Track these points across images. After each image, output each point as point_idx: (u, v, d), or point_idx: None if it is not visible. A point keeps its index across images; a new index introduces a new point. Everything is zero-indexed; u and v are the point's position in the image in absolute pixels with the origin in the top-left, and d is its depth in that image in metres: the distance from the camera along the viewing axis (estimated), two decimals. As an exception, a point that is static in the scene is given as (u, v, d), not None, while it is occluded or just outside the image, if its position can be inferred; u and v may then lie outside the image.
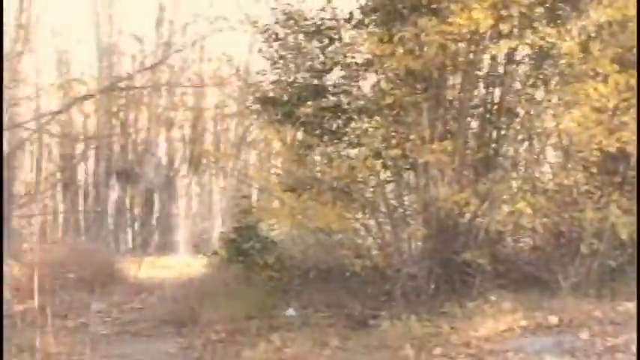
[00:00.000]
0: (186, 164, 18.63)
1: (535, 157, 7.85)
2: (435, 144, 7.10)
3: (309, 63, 8.17)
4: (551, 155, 8.13)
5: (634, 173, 7.10)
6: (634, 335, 5.48)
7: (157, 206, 18.46)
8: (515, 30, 6.91)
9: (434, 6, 6.98)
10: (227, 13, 10.24)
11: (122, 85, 6.15)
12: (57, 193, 16.89)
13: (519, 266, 7.69)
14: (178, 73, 16.18)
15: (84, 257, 10.16)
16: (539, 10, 6.92)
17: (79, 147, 16.99)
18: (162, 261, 14.06)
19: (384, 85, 7.88)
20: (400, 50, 6.99)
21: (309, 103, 7.92)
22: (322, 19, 8.03)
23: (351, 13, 7.92)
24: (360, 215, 8.19)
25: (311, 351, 6.14)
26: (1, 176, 6.28)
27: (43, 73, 13.88)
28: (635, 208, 6.90)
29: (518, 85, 7.76)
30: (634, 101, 6.65)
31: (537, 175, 7.84)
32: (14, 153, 14.74)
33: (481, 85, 7.99)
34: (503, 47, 6.98)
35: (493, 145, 7.88)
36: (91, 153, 15.95)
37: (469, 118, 7.92)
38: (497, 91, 7.94)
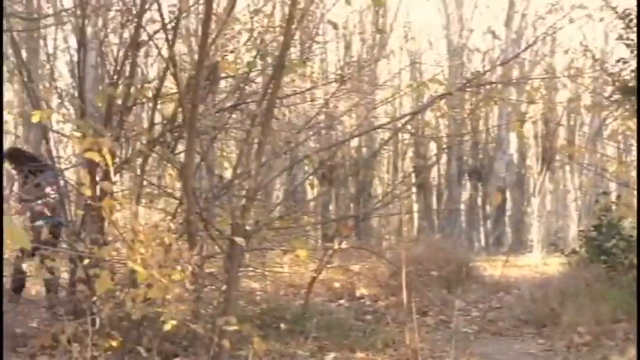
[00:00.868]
0: (539, 161, 18.15)
1: None
2: None
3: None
4: None
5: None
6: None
7: (508, 204, 18.28)
8: None
9: None
10: (584, 2, 9.72)
11: (475, 82, 6.05)
12: (412, 193, 17.44)
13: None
14: (530, 68, 15.89)
15: (440, 255, 10.31)
16: None
17: (433, 148, 17.40)
18: (516, 259, 13.85)
19: None
20: None
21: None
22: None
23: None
24: None
25: None
26: (0, 175, 6.53)
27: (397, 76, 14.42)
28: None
29: None
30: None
31: None
32: (375, 155, 15.57)
33: None
34: None
35: None
36: (444, 153, 16.20)
37: None
38: None
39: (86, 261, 5.20)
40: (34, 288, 8.23)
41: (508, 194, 18.04)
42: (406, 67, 15.50)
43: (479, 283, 10.00)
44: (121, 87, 6.39)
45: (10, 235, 2.41)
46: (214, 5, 4.77)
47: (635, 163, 7.63)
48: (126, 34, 6.74)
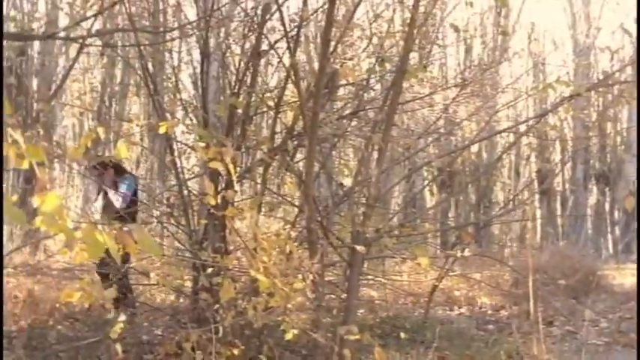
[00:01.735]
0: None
1: None
2: None
3: None
4: None
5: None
6: None
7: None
8: None
9: None
10: None
11: (605, 82, 5.76)
12: (534, 199, 16.95)
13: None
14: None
15: (565, 263, 9.95)
16: None
17: (556, 152, 16.86)
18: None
19: None
20: None
21: None
22: None
23: None
24: None
25: None
26: (0, 174, 6.34)
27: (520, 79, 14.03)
28: None
29: None
30: None
31: None
32: (497, 160, 15.21)
33: None
34: None
35: None
36: (569, 157, 15.66)
37: None
38: None
39: (209, 269, 5.28)
40: (159, 296, 8.47)
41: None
42: (530, 70, 15.07)
43: (608, 293, 9.59)
44: (242, 97, 6.48)
45: (142, 244, 2.45)
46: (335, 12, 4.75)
47: None
48: (247, 45, 6.85)
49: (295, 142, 6.32)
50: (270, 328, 5.31)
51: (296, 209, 6.70)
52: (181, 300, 7.49)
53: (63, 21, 10.60)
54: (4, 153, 2.55)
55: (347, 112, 7.02)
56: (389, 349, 6.39)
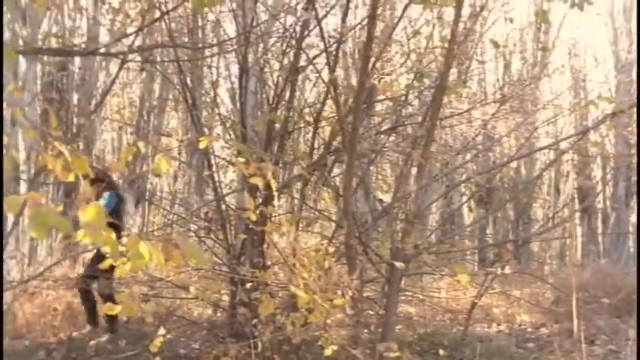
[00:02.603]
0: None
1: None
2: None
3: None
4: None
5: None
6: None
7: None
8: None
9: None
10: None
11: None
12: (575, 216, 16.70)
13: None
14: None
15: (608, 281, 9.79)
16: None
17: (598, 169, 16.63)
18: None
19: None
20: None
21: None
22: None
23: None
24: None
25: None
26: (0, 175, 6.25)
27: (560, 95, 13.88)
28: None
29: None
30: None
31: None
32: (537, 177, 15.05)
33: None
34: None
35: None
36: (611, 174, 15.42)
37: None
38: None
39: (247, 284, 5.29)
40: (196, 310, 8.49)
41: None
42: (571, 86, 14.91)
43: (655, 311, 9.39)
44: (280, 112, 6.51)
45: (188, 253, 2.45)
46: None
47: None
48: (285, 60, 6.88)
49: (333, 158, 6.33)
50: (308, 343, 5.29)
51: (333, 224, 6.69)
52: (219, 314, 7.51)
53: (103, 37, 10.74)
54: (49, 166, 2.57)
55: (385, 127, 7.01)
56: (427, 366, 6.34)
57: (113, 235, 2.43)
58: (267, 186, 4.11)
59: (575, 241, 16.65)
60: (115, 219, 7.31)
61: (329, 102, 6.27)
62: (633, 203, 16.83)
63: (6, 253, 8.81)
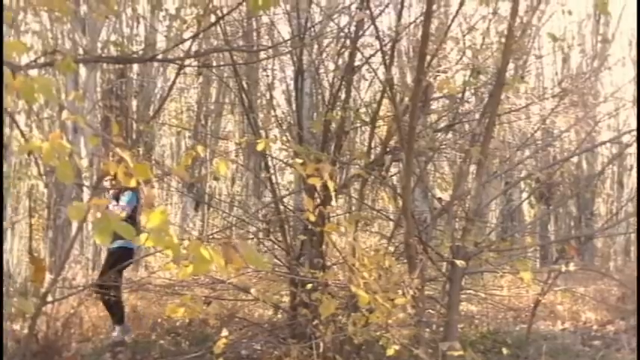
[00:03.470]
0: None
1: None
2: None
3: None
4: None
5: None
6: None
7: None
8: None
9: None
10: None
11: None
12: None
13: None
14: None
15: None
16: None
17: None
18: None
19: None
20: None
21: None
22: None
23: None
24: None
25: None
26: (0, 176, 6.17)
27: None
28: None
29: None
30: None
31: None
32: (600, 173, 14.74)
33: None
34: None
35: None
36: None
37: None
38: None
39: (308, 285, 5.30)
40: (257, 311, 8.55)
41: None
42: (633, 78, 14.53)
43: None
44: (336, 112, 6.51)
45: (247, 258, 2.47)
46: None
47: None
48: (340, 60, 6.88)
49: (390, 157, 6.30)
50: (369, 343, 5.27)
51: (391, 224, 6.66)
52: (279, 315, 7.55)
53: (161, 43, 10.91)
54: (111, 172, 2.61)
55: (442, 125, 6.95)
56: (490, 365, 6.27)
57: (175, 238, 2.45)
58: (325, 186, 4.11)
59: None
60: (134, 217, 7.44)
61: (385, 101, 6.25)
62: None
63: (71, 257, 9.00)
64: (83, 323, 7.61)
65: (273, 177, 7.16)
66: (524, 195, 13.56)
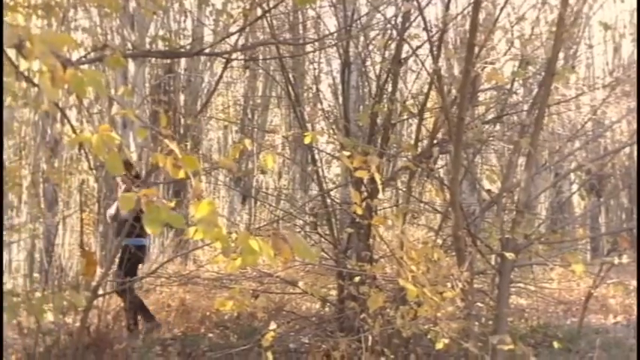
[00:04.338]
0: None
1: None
2: None
3: None
4: None
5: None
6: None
7: None
8: None
9: None
10: None
11: None
12: None
13: None
14: None
15: None
16: None
17: None
18: None
19: None
20: None
21: None
22: None
23: None
24: None
25: None
26: (1, 177, 6.03)
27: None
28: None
29: None
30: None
31: None
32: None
33: None
34: None
35: None
36: None
37: None
38: None
39: (355, 278, 5.28)
40: (304, 304, 8.57)
41: None
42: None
43: None
44: (382, 104, 6.48)
45: (297, 250, 2.46)
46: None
47: None
48: (387, 52, 6.84)
49: (437, 149, 6.24)
50: (417, 337, 5.24)
51: (438, 216, 6.60)
52: (326, 309, 7.56)
53: (208, 37, 10.98)
54: (161, 164, 2.62)
55: (489, 116, 6.87)
56: (541, 358, 6.18)
57: (224, 231, 2.45)
58: (372, 179, 4.08)
59: None
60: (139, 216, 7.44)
61: (432, 93, 6.20)
62: None
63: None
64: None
65: (319, 170, 7.16)
66: (575, 187, 13.36)
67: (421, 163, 5.51)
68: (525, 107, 6.18)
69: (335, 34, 6.82)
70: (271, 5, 5.83)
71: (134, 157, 10.85)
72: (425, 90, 6.48)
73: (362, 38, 6.96)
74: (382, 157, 6.14)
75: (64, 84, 2.32)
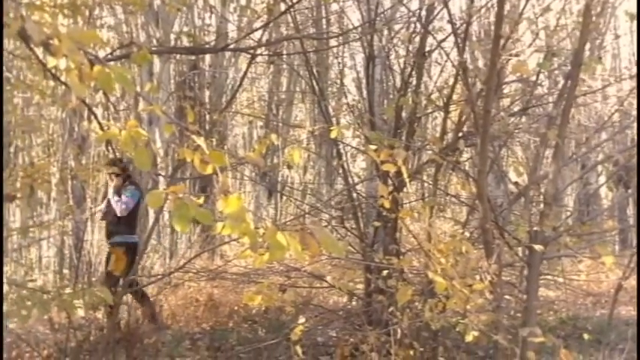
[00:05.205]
0: None
1: None
2: None
3: None
4: None
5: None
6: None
7: None
8: None
9: None
10: None
11: None
12: None
13: None
14: None
15: None
16: None
17: None
18: None
19: None
20: None
21: None
22: None
23: None
24: None
25: None
26: (1, 176, 5.99)
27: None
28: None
29: None
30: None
31: None
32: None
33: None
34: None
35: None
36: None
37: None
38: None
39: (383, 272, 5.29)
40: (331, 298, 8.59)
41: None
42: None
43: None
44: (407, 97, 6.46)
45: (324, 244, 2.46)
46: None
47: None
48: (411, 46, 6.83)
49: (464, 141, 6.22)
50: (445, 329, 5.24)
51: (464, 209, 6.58)
52: (354, 302, 7.57)
53: (232, 33, 11.02)
54: (188, 159, 2.63)
55: (515, 109, 6.83)
56: (571, 350, 6.12)
57: (252, 225, 2.46)
58: (398, 173, 4.08)
59: None
60: (135, 212, 7.46)
61: (457, 85, 6.18)
62: None
63: (149, 247, 9.20)
64: (162, 311, 7.78)
65: (345, 164, 7.17)
66: (602, 179, 13.24)
67: (447, 156, 5.50)
68: (551, 99, 6.14)
69: (359, 28, 6.81)
70: (295, 0, 5.85)
71: (160, 152, 10.92)
72: (449, 83, 6.45)
73: (386, 32, 6.95)
74: (408, 151, 6.14)
75: (91, 81, 2.34)
